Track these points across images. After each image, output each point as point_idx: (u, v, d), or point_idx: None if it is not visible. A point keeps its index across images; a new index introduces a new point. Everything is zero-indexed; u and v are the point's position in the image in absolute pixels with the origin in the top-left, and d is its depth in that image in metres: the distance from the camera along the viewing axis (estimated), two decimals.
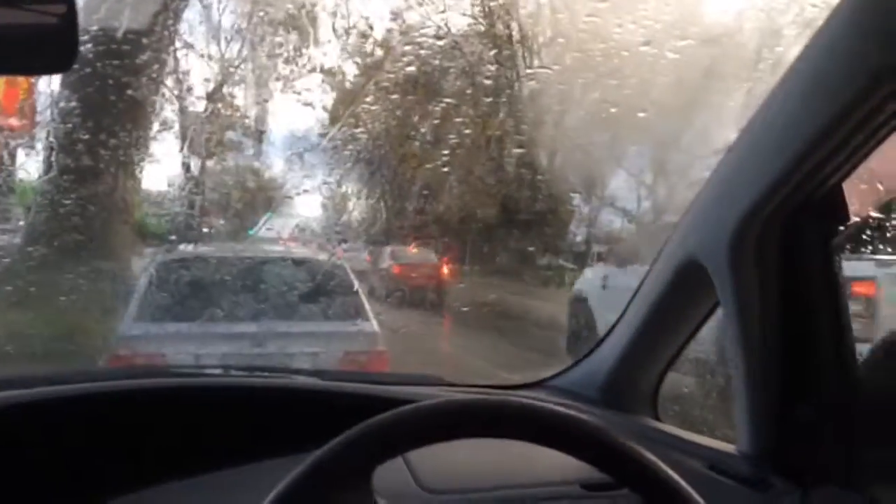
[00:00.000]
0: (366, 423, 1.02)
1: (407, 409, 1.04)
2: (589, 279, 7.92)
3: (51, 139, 6.45)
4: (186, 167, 10.10)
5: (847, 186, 1.41)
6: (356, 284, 5.48)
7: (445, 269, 10.15)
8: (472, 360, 7.01)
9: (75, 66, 0.95)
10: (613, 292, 6.19)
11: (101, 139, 6.70)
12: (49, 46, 0.90)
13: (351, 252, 8.86)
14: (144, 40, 6.60)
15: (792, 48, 1.39)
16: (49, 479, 1.48)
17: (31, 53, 0.91)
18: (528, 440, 1.05)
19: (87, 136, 6.48)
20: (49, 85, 6.82)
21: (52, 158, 6.40)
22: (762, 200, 1.43)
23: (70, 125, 6.38)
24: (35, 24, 0.88)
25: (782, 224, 1.44)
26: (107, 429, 1.62)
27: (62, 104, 6.37)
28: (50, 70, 0.99)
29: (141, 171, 8.19)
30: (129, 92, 6.97)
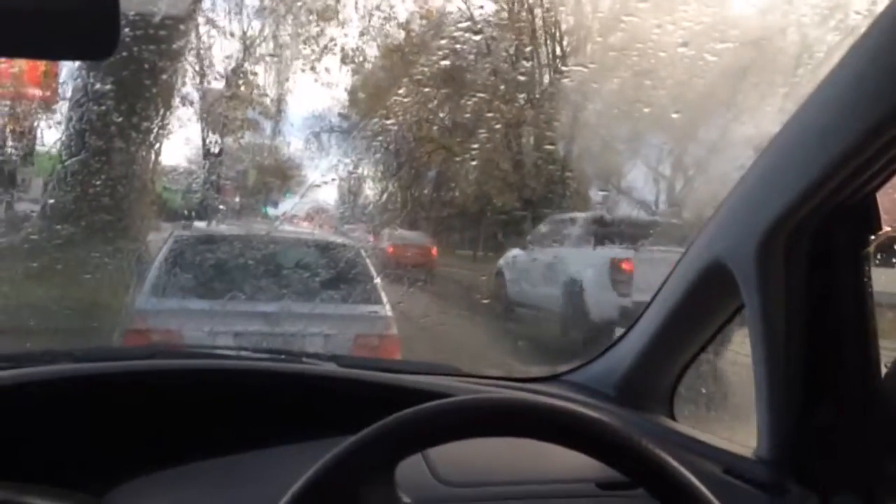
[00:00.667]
0: (392, 417, 1.03)
1: (433, 406, 1.05)
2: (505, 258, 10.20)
3: (84, 121, 6.50)
4: (207, 148, 10.18)
5: (880, 195, 1.40)
6: (371, 268, 5.49)
7: (434, 251, 10.39)
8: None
9: None
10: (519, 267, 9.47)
11: (133, 122, 6.77)
12: (91, 32, 0.90)
13: (357, 233, 8.94)
14: (180, 25, 6.65)
15: (832, 55, 1.37)
16: (63, 457, 1.49)
17: (73, 39, 0.90)
18: (550, 441, 1.06)
19: (119, 119, 6.55)
20: (74, 63, 6.87)
21: (85, 139, 6.45)
22: (793, 206, 1.42)
23: (103, 107, 6.44)
24: (78, 9, 0.88)
25: (813, 229, 1.43)
26: (121, 410, 1.64)
27: (97, 86, 6.43)
28: (92, 56, 0.98)
29: (166, 150, 8.26)
30: (164, 76, 7.04)
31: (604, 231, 8.63)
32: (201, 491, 1.54)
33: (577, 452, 1.05)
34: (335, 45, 11.40)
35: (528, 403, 1.09)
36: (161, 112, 7.45)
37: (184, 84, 9.22)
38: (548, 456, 1.56)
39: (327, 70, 11.59)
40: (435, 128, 11.03)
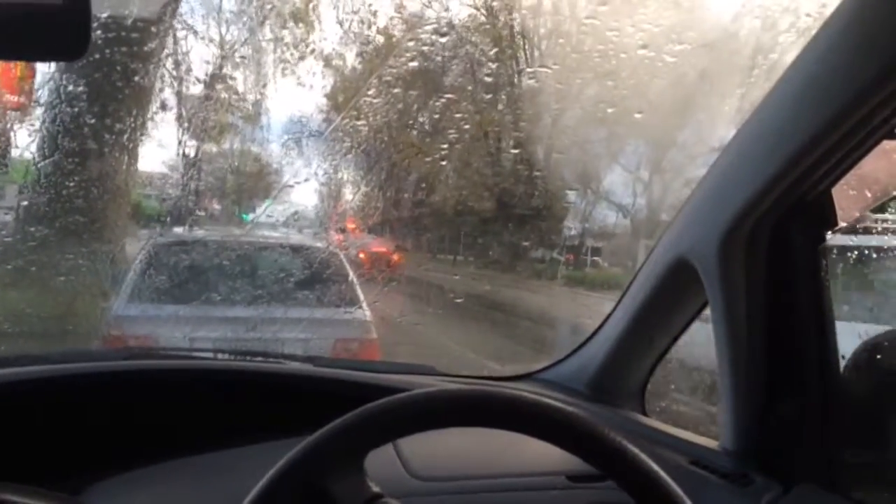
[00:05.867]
0: (360, 408, 1.04)
1: (400, 397, 1.06)
2: None
3: (57, 122, 6.45)
4: (184, 151, 10.11)
5: (836, 192, 1.44)
6: (350, 272, 5.47)
7: (395, 257, 10.46)
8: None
9: None
10: None
11: (105, 123, 6.71)
12: (62, 33, 0.91)
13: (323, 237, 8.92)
14: (151, 27, 6.60)
15: (786, 55, 1.41)
16: (39, 457, 1.49)
17: (43, 40, 0.91)
18: (517, 430, 1.06)
19: (93, 121, 6.49)
20: (49, 66, 6.81)
21: (59, 141, 6.39)
22: (753, 203, 1.45)
23: (76, 109, 6.39)
24: (48, 9, 0.89)
25: (772, 226, 1.47)
26: (97, 409, 1.64)
27: (69, 88, 6.37)
28: (63, 57, 0.99)
29: (141, 155, 8.20)
30: (136, 78, 6.98)
31: None
32: (177, 488, 1.55)
33: (548, 445, 1.06)
34: (313, 49, 11.37)
35: (494, 393, 1.10)
36: (135, 114, 7.39)
37: (160, 88, 9.15)
38: (519, 450, 1.59)
39: (310, 74, 11.55)
40: (413, 132, 11.03)
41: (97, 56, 5.89)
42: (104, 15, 5.24)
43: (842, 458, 1.46)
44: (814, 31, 1.32)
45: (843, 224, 1.46)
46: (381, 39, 11.00)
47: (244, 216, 12.37)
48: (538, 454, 1.55)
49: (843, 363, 1.48)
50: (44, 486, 1.43)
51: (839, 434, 1.45)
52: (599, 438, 1.04)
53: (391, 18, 10.62)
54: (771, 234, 1.47)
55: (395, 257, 10.20)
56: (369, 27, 10.87)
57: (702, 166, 1.66)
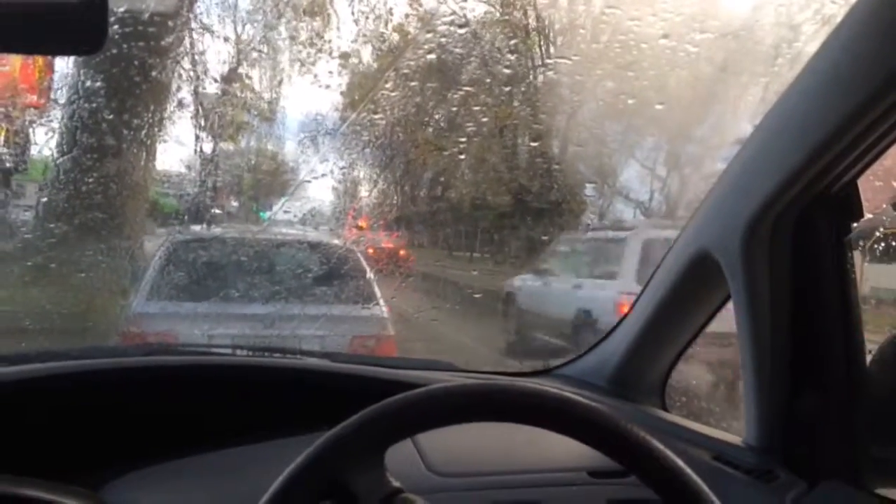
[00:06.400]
0: (381, 403, 1.03)
1: (421, 391, 1.05)
2: None
3: (75, 118, 6.49)
4: (201, 149, 10.15)
5: (861, 183, 1.42)
6: (367, 269, 5.48)
7: (403, 253, 10.56)
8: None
9: None
10: None
11: (123, 119, 6.74)
12: (79, 27, 0.90)
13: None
14: (168, 22, 6.63)
15: (810, 44, 1.39)
16: (58, 453, 1.50)
17: (60, 34, 0.91)
18: (539, 425, 1.06)
19: (110, 116, 6.53)
20: (67, 64, 6.86)
21: (77, 137, 6.43)
22: (776, 195, 1.43)
23: (94, 105, 6.43)
24: (66, 3, 0.88)
25: (795, 219, 1.45)
26: (116, 405, 1.65)
27: (87, 83, 6.41)
28: (80, 51, 0.98)
29: (160, 152, 8.25)
30: (153, 73, 7.02)
31: None
32: (196, 484, 1.55)
33: (568, 441, 1.05)
34: (330, 46, 11.39)
35: (516, 388, 1.09)
36: (152, 110, 7.43)
37: (178, 85, 9.18)
38: (539, 445, 1.57)
39: (328, 73, 11.59)
40: (430, 127, 11.03)
41: (114, 51, 5.92)
42: (121, 9, 5.25)
43: (868, 453, 1.44)
44: (839, 19, 1.30)
45: (868, 216, 1.44)
46: (396, 37, 11.01)
47: (261, 213, 12.43)
48: (558, 449, 1.54)
49: (869, 357, 1.46)
50: (63, 481, 1.43)
51: (865, 429, 1.43)
52: (623, 434, 1.03)
53: (406, 16, 10.63)
54: (795, 227, 1.45)
55: (403, 252, 10.27)
56: (385, 24, 10.88)
57: (723, 159, 1.64)
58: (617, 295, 6.14)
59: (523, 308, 8.82)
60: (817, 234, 1.45)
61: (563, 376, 2.15)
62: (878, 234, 1.87)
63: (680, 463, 1.01)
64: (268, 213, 12.27)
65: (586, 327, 6.83)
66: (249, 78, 11.89)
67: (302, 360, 2.07)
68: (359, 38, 11.38)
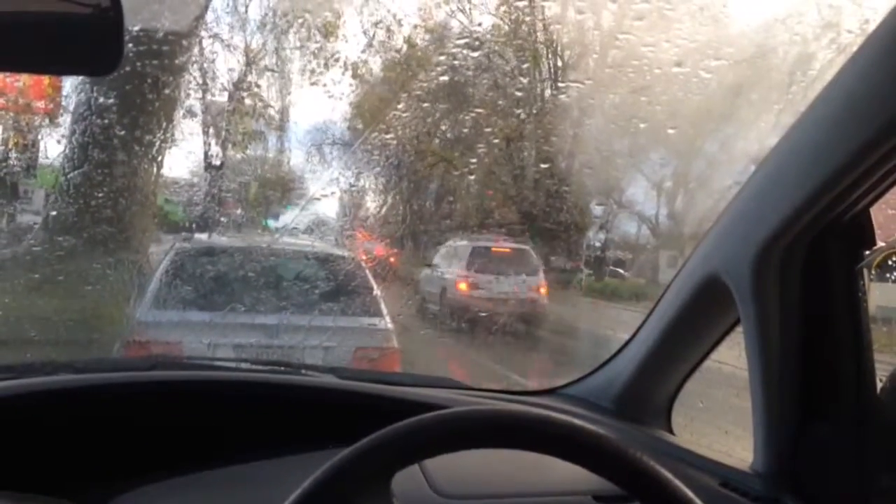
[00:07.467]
0: (388, 428, 1.03)
1: (429, 417, 1.05)
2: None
3: (87, 134, 6.53)
4: (210, 160, 10.21)
5: (874, 211, 1.41)
6: (373, 282, 5.48)
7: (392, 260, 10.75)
8: None
9: None
10: None
11: (135, 135, 6.79)
12: (96, 48, 0.91)
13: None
14: (182, 41, 6.69)
15: (825, 73, 1.39)
16: (64, 467, 1.49)
17: (78, 54, 0.91)
18: (546, 453, 1.05)
19: (122, 132, 6.58)
20: (78, 78, 6.90)
21: (88, 152, 6.47)
22: (788, 221, 1.43)
23: (106, 120, 6.47)
24: (82, 25, 0.89)
25: (807, 245, 1.44)
26: (122, 420, 1.64)
27: (100, 100, 6.46)
28: (97, 71, 0.99)
29: (169, 164, 8.30)
30: (166, 91, 7.07)
31: None
32: (200, 500, 1.54)
33: (574, 465, 1.04)
34: (338, 58, 11.47)
35: (524, 415, 1.09)
36: (163, 125, 7.49)
37: (187, 97, 9.26)
38: (544, 469, 1.56)
39: (333, 83, 11.66)
40: (436, 141, 11.09)
41: (128, 69, 5.98)
42: (136, 28, 5.31)
43: (877, 483, 1.42)
44: (854, 49, 1.30)
45: (881, 244, 1.43)
46: (405, 49, 11.08)
47: (267, 223, 12.50)
48: (564, 473, 1.52)
49: (879, 385, 1.45)
50: (68, 497, 1.43)
51: (874, 458, 1.42)
52: (631, 462, 1.02)
53: (415, 27, 10.71)
54: (807, 254, 1.45)
55: (393, 260, 10.41)
56: (393, 37, 10.97)
57: (735, 184, 1.64)
58: None
59: None
60: (829, 262, 1.44)
61: (568, 396, 2.14)
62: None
63: (685, 490, 1.01)
64: (273, 223, 12.36)
65: None
66: (258, 87, 11.98)
67: (307, 377, 2.06)
68: (369, 52, 11.49)
